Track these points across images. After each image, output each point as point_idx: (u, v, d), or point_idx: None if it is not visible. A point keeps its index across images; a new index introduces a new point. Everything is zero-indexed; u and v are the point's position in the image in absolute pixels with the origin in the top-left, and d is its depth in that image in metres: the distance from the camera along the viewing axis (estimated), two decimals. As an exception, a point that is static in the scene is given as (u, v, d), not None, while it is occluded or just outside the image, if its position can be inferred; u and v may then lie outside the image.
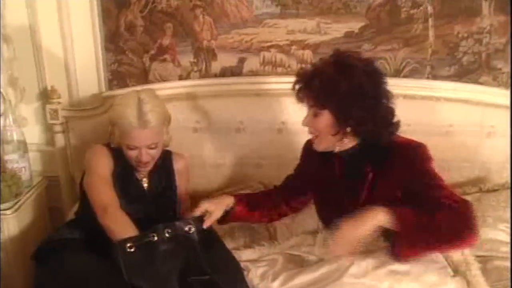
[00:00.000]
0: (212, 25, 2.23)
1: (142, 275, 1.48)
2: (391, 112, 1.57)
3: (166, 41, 2.24)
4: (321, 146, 1.61)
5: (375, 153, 1.55)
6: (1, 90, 2.11)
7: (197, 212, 1.64)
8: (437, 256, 1.56)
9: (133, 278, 1.47)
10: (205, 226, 1.63)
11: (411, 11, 2.20)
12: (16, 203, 2.00)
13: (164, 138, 1.82)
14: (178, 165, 1.93)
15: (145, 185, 1.86)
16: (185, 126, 2.22)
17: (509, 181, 2.17)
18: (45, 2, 2.15)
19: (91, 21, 2.18)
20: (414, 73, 2.27)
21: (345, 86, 1.49)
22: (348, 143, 1.58)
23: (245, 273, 1.61)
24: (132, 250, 1.49)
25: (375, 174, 1.55)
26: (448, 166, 2.18)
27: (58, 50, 2.20)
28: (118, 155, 1.79)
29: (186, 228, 1.58)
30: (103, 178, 1.72)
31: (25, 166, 2.12)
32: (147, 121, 1.68)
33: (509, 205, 1.99)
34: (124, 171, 1.81)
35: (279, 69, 2.28)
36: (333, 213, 1.56)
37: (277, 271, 1.58)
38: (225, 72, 2.29)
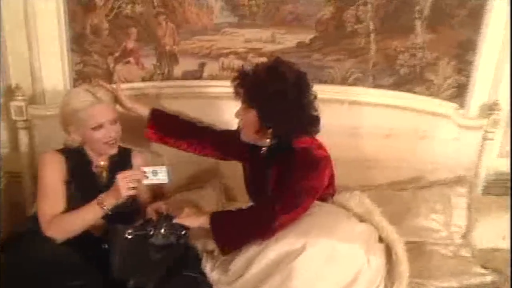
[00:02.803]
0: (174, 31, 2.36)
1: (134, 260, 1.66)
2: (313, 121, 1.80)
3: (130, 45, 2.36)
4: (244, 137, 1.83)
5: (283, 152, 1.77)
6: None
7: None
8: (338, 209, 1.82)
9: (123, 264, 1.65)
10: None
11: (355, 26, 2.43)
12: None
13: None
14: (137, 161, 2.02)
15: (105, 177, 1.93)
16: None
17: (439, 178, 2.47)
18: (11, 1, 2.20)
19: (57, 22, 2.25)
20: (358, 82, 2.50)
21: (271, 89, 1.70)
22: (267, 141, 1.80)
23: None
24: (130, 237, 1.68)
25: (279, 170, 1.79)
26: (387, 166, 2.45)
27: (24, 49, 2.26)
28: (72, 157, 1.88)
29: (182, 232, 1.75)
30: (49, 190, 1.81)
31: (-14, 161, 2.16)
32: (101, 97, 1.84)
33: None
34: (80, 171, 1.88)
35: (237, 75, 2.45)
36: (252, 190, 1.92)
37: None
38: (187, 76, 2.43)
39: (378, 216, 1.79)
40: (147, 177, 1.73)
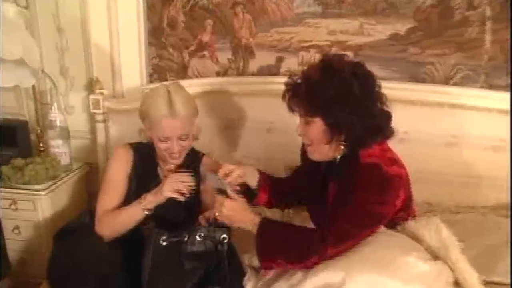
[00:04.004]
0: (251, 23, 2.20)
1: (167, 268, 1.56)
2: (386, 117, 1.48)
3: (205, 38, 2.26)
4: (315, 155, 1.54)
5: (348, 167, 1.48)
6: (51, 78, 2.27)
7: (221, 172, 1.62)
8: (404, 239, 1.49)
9: (154, 270, 1.56)
10: (226, 180, 1.63)
11: (466, 13, 2.02)
12: (51, 185, 2.11)
13: (194, 131, 1.81)
14: (205, 166, 1.89)
15: None
16: (217, 123, 2.23)
17: None
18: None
19: (137, 15, 2.25)
20: (466, 81, 2.08)
21: (332, 90, 1.41)
22: (340, 151, 1.51)
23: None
24: (164, 244, 1.58)
25: (340, 184, 1.51)
26: (493, 185, 2.01)
27: (105, 42, 2.29)
28: (141, 154, 1.82)
29: (221, 238, 1.60)
30: (111, 186, 1.77)
31: (66, 151, 2.24)
32: (177, 110, 1.68)
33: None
34: (146, 170, 1.82)
35: (318, 71, 2.20)
36: (311, 209, 1.66)
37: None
38: (263, 71, 2.25)
39: (457, 254, 1.42)
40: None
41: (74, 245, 1.68)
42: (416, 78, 2.12)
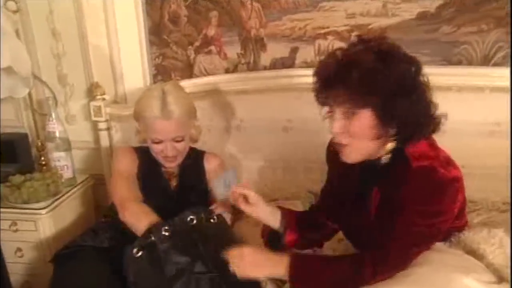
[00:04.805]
0: (261, 12, 1.99)
1: (149, 279, 1.40)
2: (434, 106, 1.25)
3: (211, 31, 2.06)
4: (352, 156, 1.26)
5: (393, 171, 1.25)
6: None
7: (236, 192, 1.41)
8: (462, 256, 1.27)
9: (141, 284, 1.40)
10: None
11: (506, -18, 1.76)
12: (52, 202, 1.94)
13: (192, 132, 1.74)
14: (210, 165, 1.80)
15: (174, 184, 1.76)
16: (227, 124, 2.04)
17: None
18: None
19: (136, 12, 2.06)
20: (508, 61, 1.81)
21: (390, 76, 1.16)
22: (387, 149, 1.25)
23: None
24: (139, 254, 1.41)
25: (385, 190, 1.27)
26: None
27: (104, 44, 2.11)
28: (144, 155, 1.74)
29: (188, 219, 1.47)
30: (123, 175, 1.70)
31: (68, 164, 2.07)
32: (170, 111, 1.62)
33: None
34: (150, 172, 1.74)
35: (337, 59, 1.97)
36: (349, 227, 1.41)
37: None
38: (276, 64, 2.04)
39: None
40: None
41: (74, 271, 1.55)
42: (451, 61, 1.88)
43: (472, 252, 1.30)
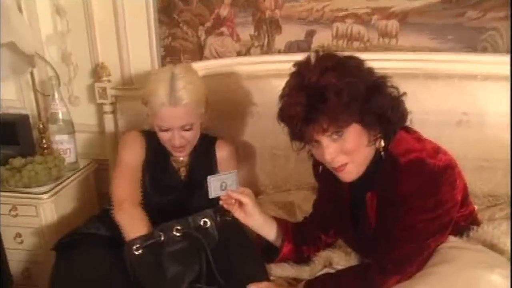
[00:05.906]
0: (276, -9, 1.90)
1: (149, 278, 1.33)
2: (400, 93, 1.27)
3: (224, 11, 1.95)
4: (354, 171, 1.24)
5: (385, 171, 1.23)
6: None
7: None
8: (484, 251, 1.22)
9: (140, 281, 1.34)
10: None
11: (537, -36, 1.67)
12: (54, 187, 1.86)
13: (202, 120, 1.62)
14: (222, 153, 1.71)
15: (183, 174, 1.67)
16: (241, 110, 1.93)
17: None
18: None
19: (145, -12, 1.96)
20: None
21: (359, 82, 1.17)
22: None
23: None
24: (140, 252, 1.35)
25: (380, 194, 1.25)
26: None
27: (110, 22, 2.01)
28: (153, 141, 1.64)
29: (201, 223, 1.40)
30: (127, 169, 1.59)
31: (71, 148, 1.98)
32: (178, 98, 1.50)
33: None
34: (158, 160, 1.64)
35: (356, 44, 1.88)
36: (351, 241, 1.40)
37: None
38: (291, 48, 1.94)
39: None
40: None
41: (77, 261, 1.47)
42: (476, 48, 1.78)
43: (492, 247, 1.25)
